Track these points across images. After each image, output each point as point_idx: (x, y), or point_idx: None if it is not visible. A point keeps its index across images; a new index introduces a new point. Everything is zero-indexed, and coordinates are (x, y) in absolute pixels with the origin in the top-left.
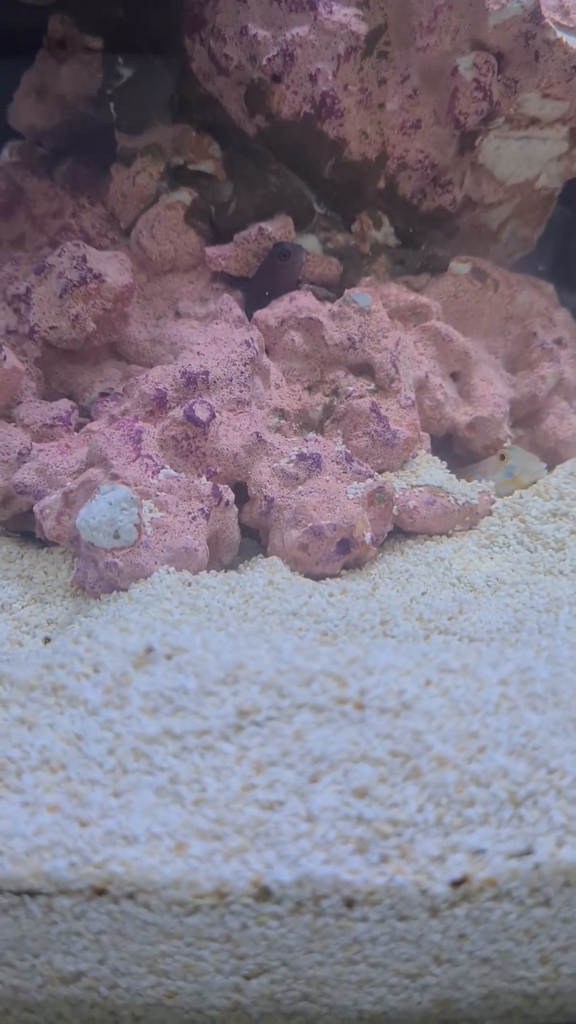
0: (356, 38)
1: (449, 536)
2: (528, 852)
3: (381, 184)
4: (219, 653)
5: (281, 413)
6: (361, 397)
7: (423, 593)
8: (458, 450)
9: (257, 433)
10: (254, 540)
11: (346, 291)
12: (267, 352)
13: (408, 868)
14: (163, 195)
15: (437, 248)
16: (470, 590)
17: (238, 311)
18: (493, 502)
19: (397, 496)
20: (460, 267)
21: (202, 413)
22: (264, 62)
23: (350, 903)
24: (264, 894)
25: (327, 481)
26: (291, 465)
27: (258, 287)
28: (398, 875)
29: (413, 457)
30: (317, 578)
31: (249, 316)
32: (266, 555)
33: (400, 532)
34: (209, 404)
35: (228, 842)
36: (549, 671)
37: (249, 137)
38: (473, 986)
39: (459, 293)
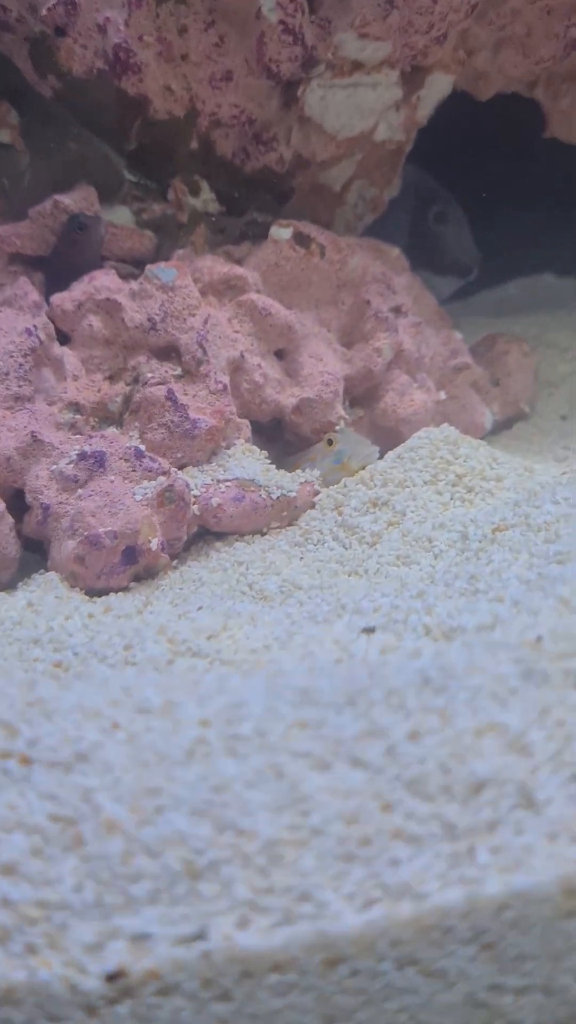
0: None
1: (264, 534)
2: (199, 936)
3: (194, 145)
4: None
5: (76, 407)
6: (159, 384)
7: (199, 608)
8: (289, 436)
9: (33, 432)
10: (40, 555)
11: (147, 267)
12: (68, 339)
13: (56, 960)
14: None
15: (262, 214)
16: (260, 598)
17: (34, 296)
18: (317, 493)
19: (199, 494)
20: (280, 232)
21: None
22: (44, 12)
23: None
24: None
25: (111, 482)
26: (70, 466)
27: (57, 267)
28: (43, 969)
29: (226, 448)
30: (101, 593)
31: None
32: (47, 570)
33: (211, 533)
34: None
35: None
36: (263, 705)
37: (47, 100)
38: None
39: (280, 261)
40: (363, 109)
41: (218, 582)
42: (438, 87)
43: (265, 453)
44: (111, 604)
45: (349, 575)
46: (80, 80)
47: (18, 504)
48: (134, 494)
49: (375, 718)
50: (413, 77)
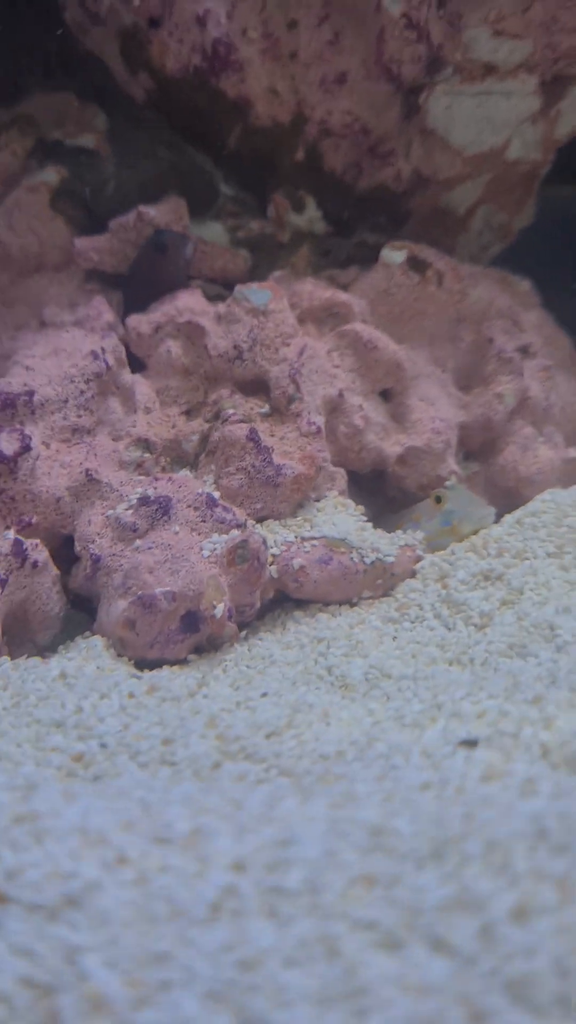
0: None
1: (353, 605)
2: None
3: (300, 155)
4: None
5: (145, 444)
6: (241, 422)
7: (263, 694)
8: (391, 490)
9: (88, 471)
10: (89, 613)
11: (237, 287)
12: (144, 367)
13: None
14: (27, 176)
15: (372, 235)
16: (339, 686)
17: (108, 316)
18: (419, 559)
19: (279, 552)
20: (393, 256)
21: (8, 445)
22: (138, 2)
23: None
24: None
25: (176, 534)
26: (129, 512)
27: (136, 287)
28: None
29: (315, 500)
30: (153, 665)
31: None
32: (93, 633)
33: (291, 600)
34: (22, 432)
35: None
36: (320, 847)
37: (138, 103)
38: None
39: (391, 289)
40: (495, 121)
41: (292, 662)
42: None
43: (362, 508)
44: (158, 683)
45: (450, 664)
46: (174, 79)
47: (67, 553)
48: (201, 549)
49: (468, 882)
50: (554, 87)
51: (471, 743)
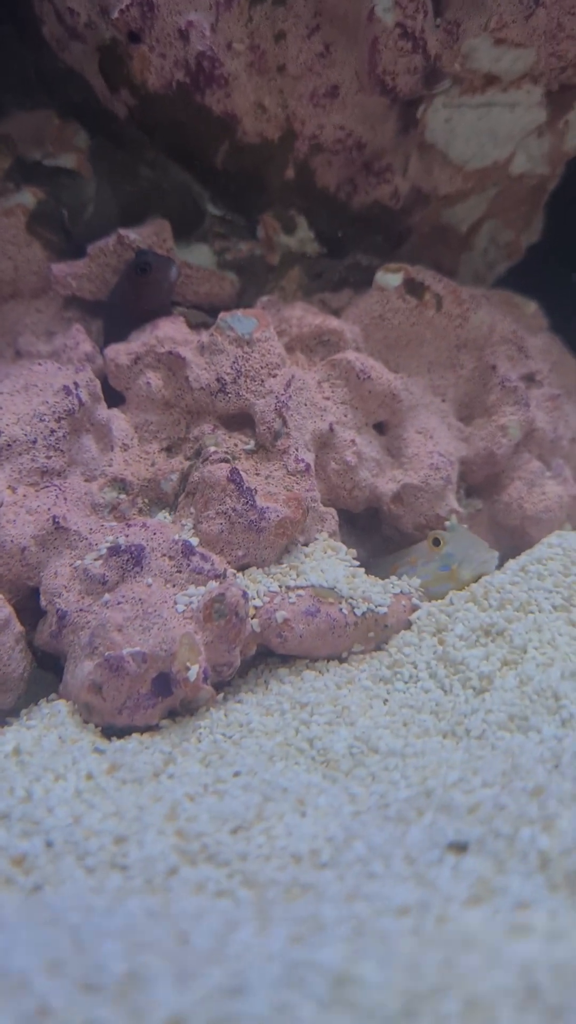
0: None
1: (342, 661)
2: None
3: (290, 173)
4: None
5: (121, 484)
6: (221, 462)
7: (235, 773)
8: (387, 529)
9: (55, 517)
10: (57, 671)
11: (221, 315)
12: (123, 399)
13: None
14: (2, 198)
15: (366, 256)
16: (320, 762)
17: (86, 346)
18: (415, 609)
19: (261, 604)
20: (388, 279)
21: None
22: (116, 15)
23: None
24: None
25: (148, 586)
26: (98, 563)
27: (117, 313)
28: None
29: (304, 544)
30: (122, 732)
31: None
32: (59, 696)
33: (275, 655)
34: None
35: None
36: (271, 1001)
37: (120, 120)
38: None
39: (387, 313)
40: (498, 134)
41: (271, 731)
42: None
43: (353, 552)
44: (120, 760)
45: (444, 736)
46: (157, 95)
47: (34, 606)
48: (175, 603)
49: None
50: (561, 97)
51: (460, 848)
